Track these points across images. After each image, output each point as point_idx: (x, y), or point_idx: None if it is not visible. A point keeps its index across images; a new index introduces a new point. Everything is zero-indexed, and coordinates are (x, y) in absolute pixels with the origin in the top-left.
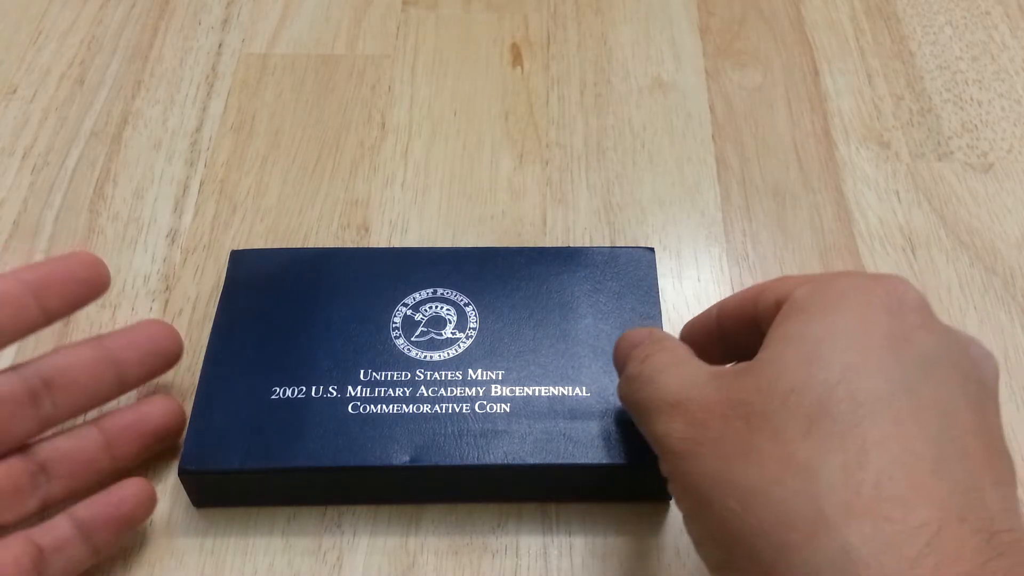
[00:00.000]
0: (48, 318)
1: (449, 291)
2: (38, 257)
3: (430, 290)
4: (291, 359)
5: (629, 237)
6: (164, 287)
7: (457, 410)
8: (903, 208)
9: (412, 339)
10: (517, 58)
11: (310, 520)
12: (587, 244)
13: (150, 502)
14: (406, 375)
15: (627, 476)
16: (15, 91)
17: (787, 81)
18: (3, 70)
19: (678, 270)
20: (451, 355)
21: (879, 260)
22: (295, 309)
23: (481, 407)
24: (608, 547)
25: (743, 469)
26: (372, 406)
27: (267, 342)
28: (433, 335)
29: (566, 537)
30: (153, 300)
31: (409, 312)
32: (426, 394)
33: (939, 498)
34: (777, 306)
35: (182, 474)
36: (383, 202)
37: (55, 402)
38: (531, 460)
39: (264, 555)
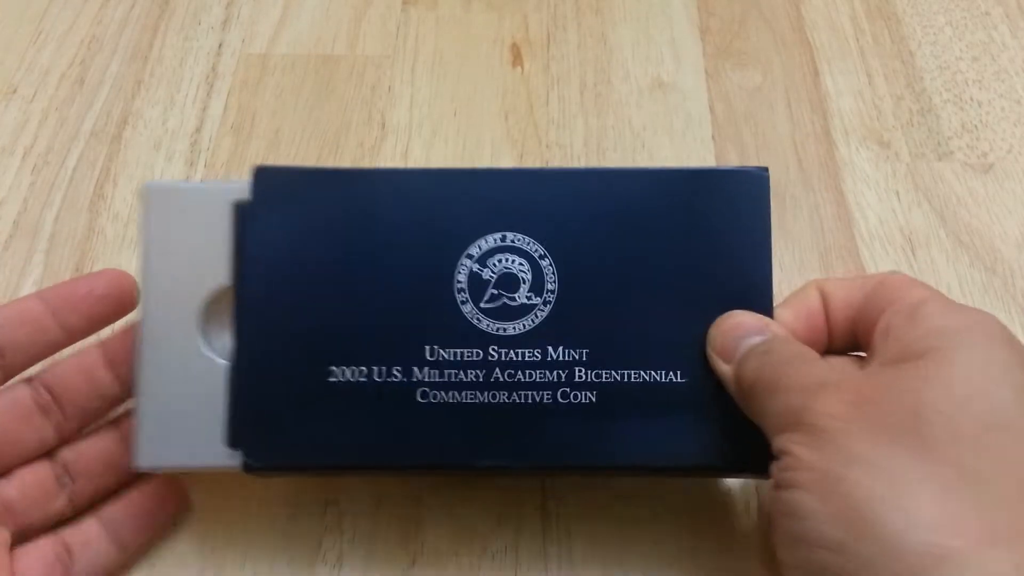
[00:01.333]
0: (70, 336)
1: (520, 236)
2: (38, 257)
3: (498, 235)
4: (344, 327)
5: None
6: None
7: (537, 399)
8: (903, 208)
9: (481, 305)
10: (517, 58)
11: (310, 520)
12: None
13: (176, 499)
14: (478, 354)
15: (713, 474)
16: (15, 91)
17: (787, 81)
18: (3, 70)
19: None
20: (527, 327)
21: (879, 260)
22: (340, 255)
23: (564, 396)
24: (608, 548)
25: (902, 458)
26: (442, 393)
27: (311, 298)
28: (506, 300)
29: (566, 537)
30: None
31: (476, 268)
32: (501, 378)
33: None
34: (884, 307)
35: (248, 470)
36: None
37: (63, 411)
38: (620, 462)
39: (264, 555)
